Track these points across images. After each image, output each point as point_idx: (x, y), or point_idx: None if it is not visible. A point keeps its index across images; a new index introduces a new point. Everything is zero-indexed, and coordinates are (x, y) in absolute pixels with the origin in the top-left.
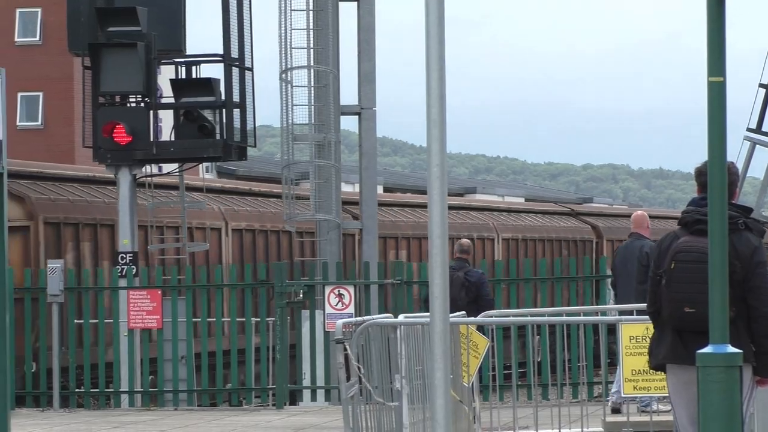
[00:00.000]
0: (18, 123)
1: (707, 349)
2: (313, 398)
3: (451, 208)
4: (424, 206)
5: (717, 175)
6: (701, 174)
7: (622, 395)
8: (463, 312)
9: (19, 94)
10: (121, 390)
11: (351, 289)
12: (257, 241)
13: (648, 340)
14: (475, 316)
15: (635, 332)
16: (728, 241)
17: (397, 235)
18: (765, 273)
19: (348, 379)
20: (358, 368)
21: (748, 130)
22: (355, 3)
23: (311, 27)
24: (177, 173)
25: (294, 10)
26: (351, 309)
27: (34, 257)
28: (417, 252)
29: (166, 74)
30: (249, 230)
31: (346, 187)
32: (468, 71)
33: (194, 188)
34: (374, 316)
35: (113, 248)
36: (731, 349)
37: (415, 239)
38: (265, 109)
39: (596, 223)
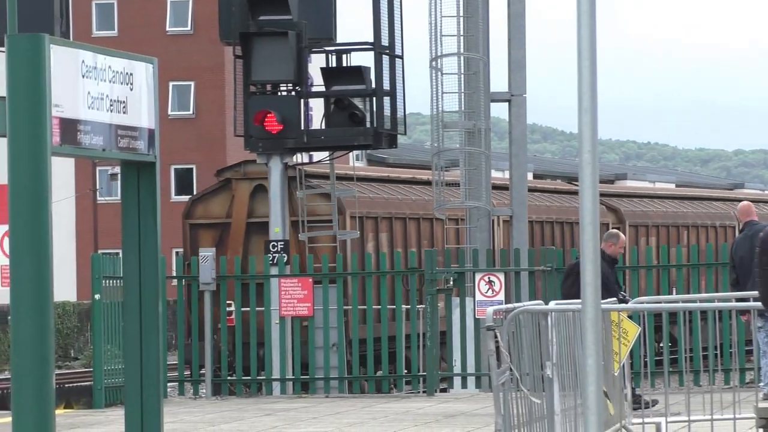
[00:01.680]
0: (170, 112)
1: None
2: (464, 385)
3: (601, 194)
4: (573, 193)
5: None
6: None
7: None
8: (614, 299)
9: (171, 84)
10: (272, 377)
11: (501, 276)
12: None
13: None
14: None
15: None
16: None
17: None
18: None
19: (499, 366)
20: (508, 355)
21: None
22: None
23: (461, 14)
24: (328, 161)
25: None
26: (501, 296)
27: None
28: (570, 238)
29: (316, 62)
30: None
31: (495, 174)
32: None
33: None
34: (525, 303)
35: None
36: None
37: (567, 225)
38: (415, 96)
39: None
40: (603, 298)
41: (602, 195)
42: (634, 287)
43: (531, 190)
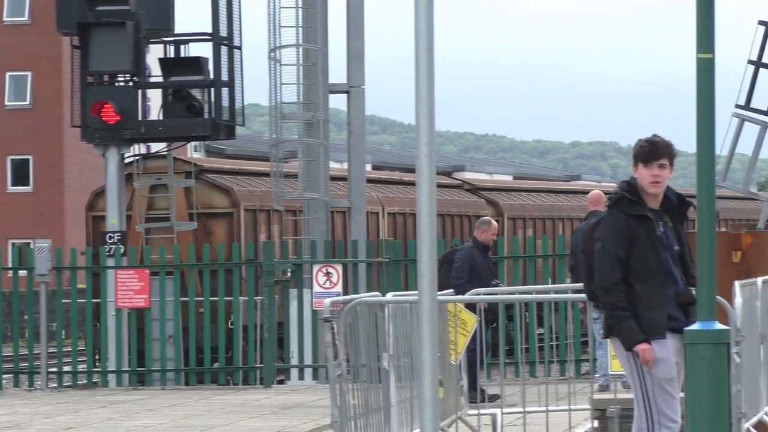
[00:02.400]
0: (6, 103)
1: (695, 326)
2: (301, 377)
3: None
4: (412, 184)
5: (705, 152)
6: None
7: (609, 372)
8: (451, 290)
9: (8, 74)
10: (108, 370)
11: (339, 268)
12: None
13: None
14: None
15: None
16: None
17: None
18: (598, 248)
19: (335, 357)
20: (335, 346)
21: (737, 106)
22: None
23: (300, 5)
24: (165, 152)
25: None
26: (339, 288)
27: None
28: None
29: (154, 53)
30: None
31: (334, 165)
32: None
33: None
34: (362, 295)
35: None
36: (719, 325)
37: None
38: (254, 87)
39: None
40: (474, 286)
41: (482, 189)
42: (516, 277)
43: (370, 181)
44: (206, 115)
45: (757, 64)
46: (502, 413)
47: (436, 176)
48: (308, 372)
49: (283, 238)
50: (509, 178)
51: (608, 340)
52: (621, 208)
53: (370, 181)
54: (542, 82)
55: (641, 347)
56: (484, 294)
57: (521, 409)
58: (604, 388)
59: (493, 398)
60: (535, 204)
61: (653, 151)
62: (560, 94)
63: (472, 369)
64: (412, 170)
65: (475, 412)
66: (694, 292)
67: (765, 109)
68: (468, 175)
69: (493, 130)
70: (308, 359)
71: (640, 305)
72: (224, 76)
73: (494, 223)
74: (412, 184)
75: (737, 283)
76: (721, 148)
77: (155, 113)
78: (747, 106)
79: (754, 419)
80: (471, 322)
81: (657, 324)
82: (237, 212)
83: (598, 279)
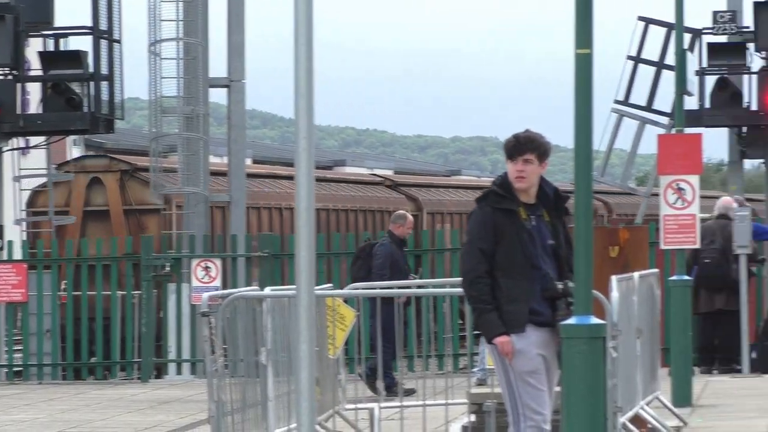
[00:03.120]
0: None
1: (572, 321)
2: (179, 372)
3: (319, 180)
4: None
5: (583, 147)
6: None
7: (486, 367)
8: (331, 285)
9: None
10: None
11: (218, 262)
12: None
13: None
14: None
15: None
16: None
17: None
18: (464, 242)
19: (213, 352)
20: (213, 341)
21: (616, 102)
22: None
23: None
24: (44, 146)
25: None
26: (218, 282)
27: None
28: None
29: (34, 46)
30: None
31: (214, 160)
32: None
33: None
34: (240, 289)
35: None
36: (595, 320)
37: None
38: (134, 81)
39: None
40: (394, 278)
41: (402, 185)
42: (440, 269)
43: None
44: (85, 109)
45: (636, 59)
46: (380, 407)
47: (358, 173)
48: (186, 367)
49: (162, 232)
50: (390, 172)
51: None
52: (489, 202)
53: (274, 177)
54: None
55: (499, 339)
56: (363, 288)
57: (398, 404)
58: (481, 383)
59: (410, 392)
60: (453, 199)
61: (516, 146)
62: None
63: (386, 362)
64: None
65: (353, 406)
66: (570, 285)
67: (643, 105)
68: (349, 170)
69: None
70: (186, 354)
71: (503, 299)
72: (104, 70)
73: (410, 217)
74: (340, 181)
75: (614, 278)
76: (600, 143)
77: (34, 107)
78: (626, 102)
79: (630, 413)
80: (350, 316)
81: (517, 317)
82: (170, 208)
83: (463, 272)
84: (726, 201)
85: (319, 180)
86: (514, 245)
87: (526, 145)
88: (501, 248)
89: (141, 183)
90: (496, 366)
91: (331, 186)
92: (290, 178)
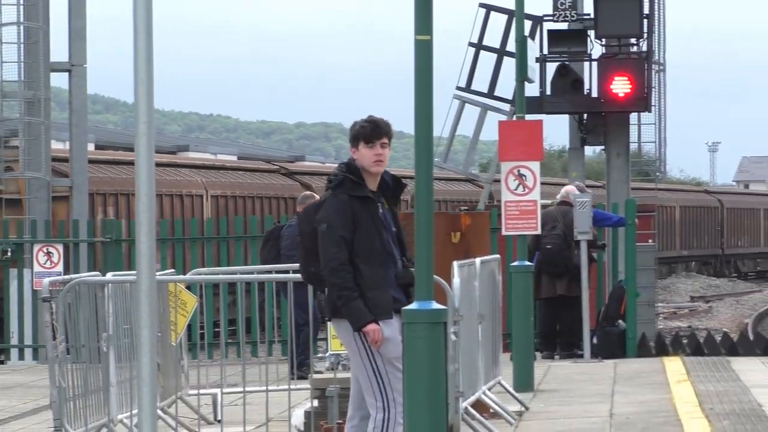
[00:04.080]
0: None
1: (413, 306)
2: (21, 357)
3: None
4: (237, 169)
5: (423, 134)
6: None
7: (330, 352)
8: (173, 270)
9: None
10: None
11: (60, 248)
12: None
13: None
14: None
15: None
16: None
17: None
18: (322, 230)
19: (54, 337)
20: (54, 326)
21: (458, 88)
22: None
23: None
24: None
25: None
26: (60, 267)
27: None
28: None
29: None
30: None
31: (57, 145)
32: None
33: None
34: (82, 275)
35: None
36: (436, 305)
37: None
38: None
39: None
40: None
41: (297, 173)
42: None
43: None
44: None
45: (478, 46)
46: (222, 393)
47: (264, 164)
48: (29, 352)
49: (5, 217)
50: (234, 158)
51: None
52: (345, 189)
53: (116, 162)
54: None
55: (370, 327)
56: (206, 273)
57: (241, 389)
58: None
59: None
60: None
61: (375, 130)
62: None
63: (302, 346)
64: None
65: (195, 392)
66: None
67: (485, 92)
68: (192, 155)
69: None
70: (29, 339)
71: (365, 286)
72: None
73: (317, 196)
74: (237, 169)
75: (455, 264)
76: (443, 130)
77: None
78: (468, 89)
79: (472, 398)
80: (191, 302)
81: (384, 304)
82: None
83: (325, 260)
84: (569, 188)
85: (218, 168)
86: (371, 232)
87: (384, 129)
88: (359, 236)
89: None
90: (358, 353)
91: (231, 174)
92: (235, 169)
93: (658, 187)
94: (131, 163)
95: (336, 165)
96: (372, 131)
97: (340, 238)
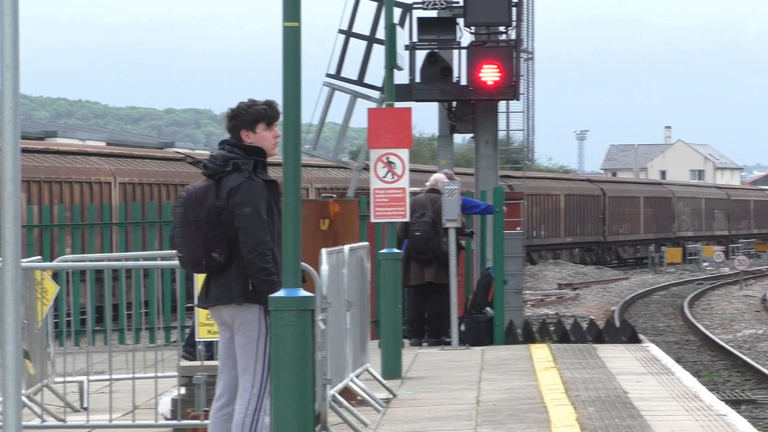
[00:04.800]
0: None
1: (280, 293)
2: None
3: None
4: (142, 157)
5: (291, 120)
6: (229, 118)
7: (197, 339)
8: (39, 257)
9: None
10: None
11: None
12: None
13: None
14: None
15: None
16: (218, 183)
17: None
18: (243, 214)
19: None
20: None
21: (328, 75)
22: None
23: None
24: None
25: None
26: None
27: None
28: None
29: None
30: None
31: None
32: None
33: None
34: None
35: None
36: (304, 292)
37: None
38: None
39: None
40: None
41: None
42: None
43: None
44: None
45: (348, 33)
46: (89, 380)
47: (171, 152)
48: None
49: None
50: (103, 144)
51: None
52: (258, 172)
53: (100, 155)
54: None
55: None
56: (72, 260)
57: (108, 377)
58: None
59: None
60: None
61: (276, 112)
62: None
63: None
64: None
65: (62, 379)
66: None
67: (355, 79)
68: (61, 141)
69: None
70: None
71: (277, 270)
72: None
73: None
74: (145, 157)
75: (324, 251)
76: (313, 116)
77: None
78: (337, 76)
79: (340, 385)
80: (52, 290)
81: None
82: None
83: (254, 244)
84: (438, 176)
85: (126, 157)
86: (276, 216)
87: (279, 112)
88: (269, 219)
89: None
90: (257, 339)
91: (138, 162)
92: (140, 157)
93: (544, 176)
94: (138, 157)
95: (209, 151)
96: (273, 113)
97: (264, 222)
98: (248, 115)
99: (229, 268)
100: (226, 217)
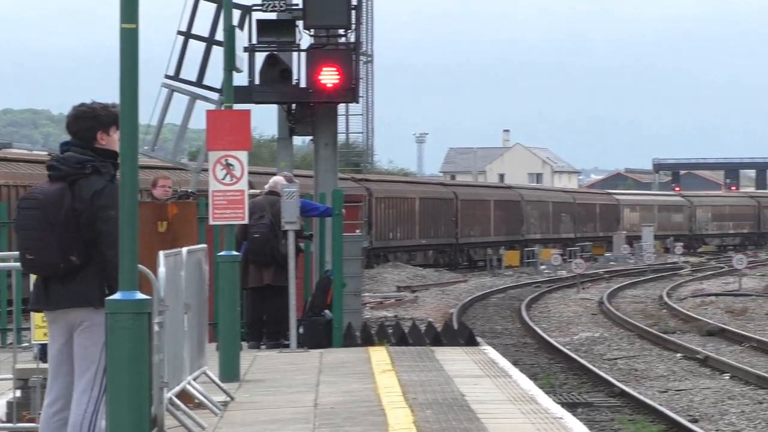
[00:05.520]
0: None
1: (116, 296)
2: None
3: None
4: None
5: (128, 122)
6: (82, 119)
7: (33, 342)
8: None
9: None
10: None
11: None
12: None
13: None
14: None
15: None
16: (76, 186)
17: None
18: (109, 217)
19: None
20: None
21: (167, 77)
22: None
23: None
24: None
25: None
26: None
27: None
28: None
29: None
30: None
31: None
32: None
33: None
34: None
35: None
36: (140, 295)
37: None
38: None
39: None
40: None
41: None
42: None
43: None
44: None
45: (187, 35)
46: None
47: (12, 153)
48: None
49: None
50: None
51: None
52: (112, 175)
53: None
54: None
55: None
56: None
57: None
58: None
59: None
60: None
61: None
62: None
63: None
64: None
65: None
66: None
67: (194, 80)
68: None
69: None
70: None
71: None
72: None
73: None
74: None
75: (161, 253)
76: (151, 118)
77: None
78: (176, 77)
79: (178, 388)
80: None
81: None
82: None
83: (118, 247)
84: (277, 178)
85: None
86: None
87: None
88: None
89: None
90: (102, 342)
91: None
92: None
93: (400, 179)
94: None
95: (48, 152)
96: None
97: None
98: (106, 117)
99: (83, 271)
100: (86, 220)
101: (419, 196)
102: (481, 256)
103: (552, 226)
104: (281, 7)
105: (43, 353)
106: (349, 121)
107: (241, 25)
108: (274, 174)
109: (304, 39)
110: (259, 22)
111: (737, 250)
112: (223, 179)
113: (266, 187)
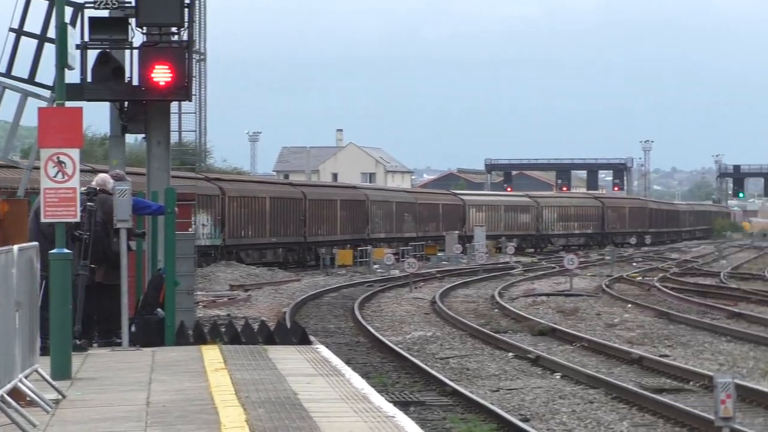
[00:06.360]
0: None
1: None
2: None
3: None
4: None
5: None
6: None
7: None
8: None
9: None
10: None
11: None
12: None
13: None
14: None
15: None
16: None
17: None
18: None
19: None
20: None
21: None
22: None
23: None
24: None
25: None
26: None
27: None
28: None
29: None
30: None
31: None
32: None
33: None
34: None
35: None
36: None
37: None
38: None
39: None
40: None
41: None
42: None
43: None
44: None
45: (18, 32)
46: None
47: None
48: None
49: None
50: None
51: None
52: None
53: None
54: None
55: None
56: None
57: None
58: None
59: None
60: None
61: None
62: None
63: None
64: None
65: None
66: None
67: (26, 77)
68: None
69: None
70: None
71: None
72: None
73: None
74: None
75: None
76: None
77: None
78: (8, 74)
79: (9, 386)
80: None
81: None
82: None
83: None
84: (103, 176)
85: None
86: None
87: None
88: None
89: None
90: None
91: None
92: None
93: (252, 179)
94: None
95: None
96: None
97: None
98: None
99: None
100: None
101: (270, 195)
102: (329, 254)
103: (396, 226)
104: (114, 4)
105: None
106: (182, 119)
107: (73, 23)
108: (107, 171)
109: (137, 37)
110: (92, 19)
111: (581, 250)
112: (54, 177)
113: (93, 183)
